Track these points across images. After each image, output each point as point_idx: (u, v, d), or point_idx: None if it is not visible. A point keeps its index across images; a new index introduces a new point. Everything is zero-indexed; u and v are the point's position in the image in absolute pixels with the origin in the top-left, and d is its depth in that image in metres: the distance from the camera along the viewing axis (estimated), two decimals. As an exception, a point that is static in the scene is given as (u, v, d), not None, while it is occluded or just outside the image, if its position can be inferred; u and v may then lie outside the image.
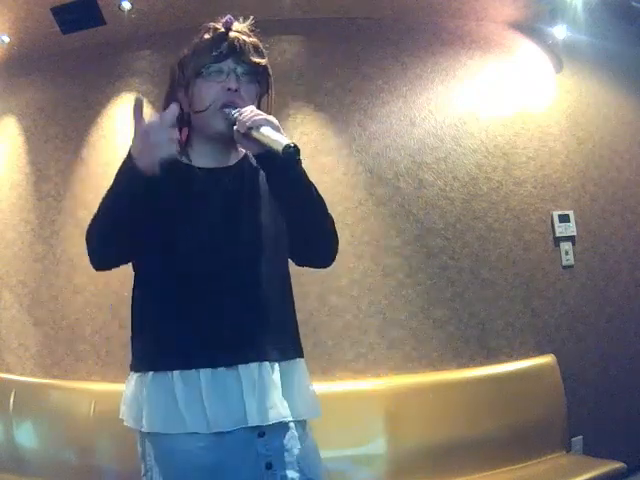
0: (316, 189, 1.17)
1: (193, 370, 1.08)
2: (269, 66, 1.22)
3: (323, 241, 1.21)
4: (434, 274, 2.69)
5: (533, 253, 2.81)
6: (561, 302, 2.81)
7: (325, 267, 1.27)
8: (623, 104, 3.14)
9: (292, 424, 1.13)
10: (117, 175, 1.08)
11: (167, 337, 1.11)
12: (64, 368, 2.73)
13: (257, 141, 1.07)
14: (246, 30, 1.20)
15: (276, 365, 1.13)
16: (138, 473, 1.14)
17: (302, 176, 1.14)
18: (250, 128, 1.06)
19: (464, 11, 2.88)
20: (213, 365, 1.08)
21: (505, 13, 2.92)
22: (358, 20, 2.84)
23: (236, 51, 1.16)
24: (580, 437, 2.70)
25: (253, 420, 1.07)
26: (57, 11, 2.62)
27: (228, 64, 1.16)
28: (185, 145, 1.22)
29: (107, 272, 1.17)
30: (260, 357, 1.11)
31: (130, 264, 1.19)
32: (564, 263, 2.85)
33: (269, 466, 1.08)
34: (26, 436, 2.55)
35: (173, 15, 2.72)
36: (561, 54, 3.03)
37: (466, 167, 2.80)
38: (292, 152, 1.00)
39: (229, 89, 1.15)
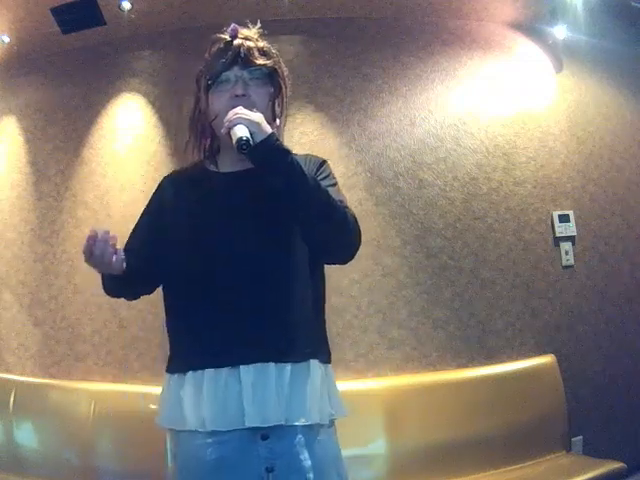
0: (318, 184, 1.13)
1: (199, 371, 1.11)
2: (280, 66, 1.26)
3: (330, 234, 1.15)
4: (434, 274, 2.69)
5: (533, 253, 2.81)
6: (561, 302, 2.81)
7: (343, 262, 1.21)
8: (623, 104, 3.14)
9: (299, 428, 1.10)
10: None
11: (181, 342, 1.19)
12: (64, 368, 2.73)
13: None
14: (252, 35, 1.23)
15: (287, 366, 1.10)
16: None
17: (286, 169, 1.10)
18: (229, 128, 1.11)
19: (464, 11, 2.88)
20: (216, 365, 1.10)
21: (505, 13, 2.92)
22: (358, 20, 2.84)
23: (241, 57, 1.18)
24: (580, 437, 2.69)
25: (250, 421, 1.06)
26: (57, 11, 2.62)
27: (235, 72, 1.19)
28: (212, 153, 1.28)
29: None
30: (263, 358, 1.10)
31: None
32: (564, 263, 2.84)
33: (270, 469, 1.08)
34: (26, 436, 2.55)
35: (173, 15, 2.71)
36: (561, 54, 3.03)
37: (466, 167, 2.80)
38: (242, 145, 1.06)
39: (236, 95, 1.17)
